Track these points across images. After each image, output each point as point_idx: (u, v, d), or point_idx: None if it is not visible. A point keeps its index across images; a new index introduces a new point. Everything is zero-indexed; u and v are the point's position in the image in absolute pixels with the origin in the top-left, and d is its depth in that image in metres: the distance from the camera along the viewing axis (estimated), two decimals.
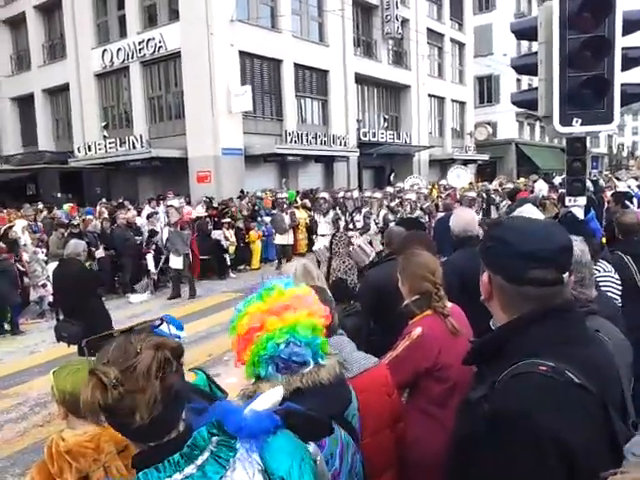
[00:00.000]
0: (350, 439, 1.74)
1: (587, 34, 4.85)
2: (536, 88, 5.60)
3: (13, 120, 27.39)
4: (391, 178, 26.34)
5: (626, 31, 4.95)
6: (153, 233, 12.07)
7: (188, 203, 16.14)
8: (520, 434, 1.16)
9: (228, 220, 13.76)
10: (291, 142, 21.27)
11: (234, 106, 19.16)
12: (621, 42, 4.90)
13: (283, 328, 1.57)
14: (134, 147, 20.69)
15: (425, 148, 29.39)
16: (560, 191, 10.81)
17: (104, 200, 17.49)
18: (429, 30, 30.16)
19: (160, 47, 20.39)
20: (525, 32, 6.23)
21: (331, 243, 6.86)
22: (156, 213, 13.01)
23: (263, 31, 20.67)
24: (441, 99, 32.31)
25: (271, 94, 21.81)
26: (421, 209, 12.54)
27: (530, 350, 1.27)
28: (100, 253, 10.82)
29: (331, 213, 11.56)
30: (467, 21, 34.09)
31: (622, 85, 5.01)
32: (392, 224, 9.39)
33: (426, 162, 30.35)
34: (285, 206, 14.83)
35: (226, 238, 13.26)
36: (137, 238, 12.11)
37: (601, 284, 2.99)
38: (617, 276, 3.39)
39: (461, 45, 33.91)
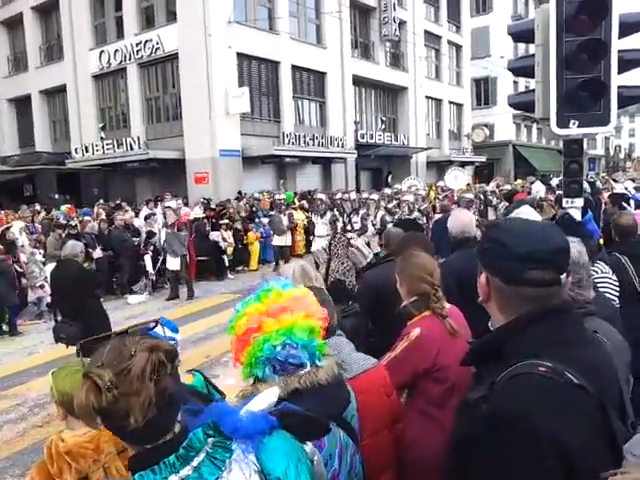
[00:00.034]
0: (349, 440, 1.73)
1: (584, 37, 4.87)
2: (533, 90, 5.62)
3: (10, 121, 27.35)
4: (389, 180, 26.36)
5: (622, 34, 4.98)
6: (151, 234, 12.06)
7: (186, 204, 16.13)
8: (519, 435, 1.16)
9: (226, 221, 13.76)
10: (289, 143, 21.27)
11: (232, 107, 19.17)
12: (617, 45, 4.92)
13: (280, 330, 1.56)
14: (131, 148, 20.67)
15: (422, 150, 29.42)
16: (557, 192, 10.85)
17: (101, 201, 17.47)
18: (426, 32, 30.21)
19: (157, 48, 20.38)
20: (522, 35, 6.26)
21: (330, 244, 6.87)
22: (154, 214, 13.00)
23: (261, 33, 20.69)
24: (438, 101, 32.37)
25: (269, 96, 21.83)
26: (419, 210, 12.57)
27: (528, 351, 1.27)
28: (98, 253, 10.81)
29: (328, 214, 11.56)
30: (464, 23, 34.16)
31: (618, 87, 5.04)
32: (390, 225, 9.41)
33: (423, 164, 30.39)
34: (283, 207, 14.84)
35: (224, 239, 13.26)
36: (135, 239, 12.10)
37: (599, 285, 3.00)
38: (615, 277, 3.41)
39: (458, 47, 33.98)
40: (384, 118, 28.77)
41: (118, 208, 14.93)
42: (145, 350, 1.18)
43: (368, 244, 9.95)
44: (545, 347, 1.28)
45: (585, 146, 6.53)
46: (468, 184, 20.45)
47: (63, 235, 10.85)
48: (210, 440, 1.22)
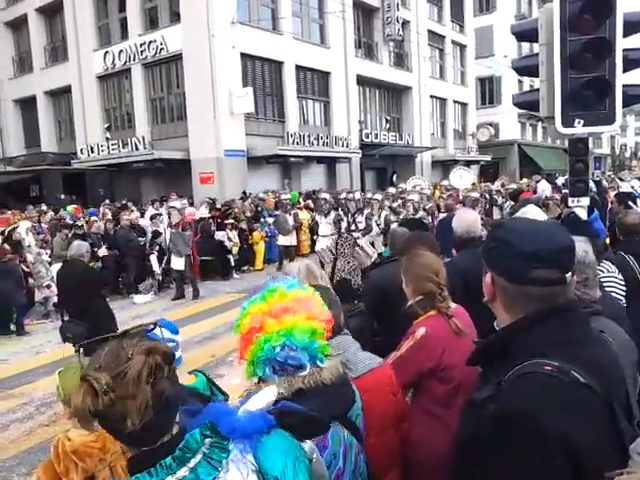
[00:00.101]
0: (354, 439, 1.74)
1: (588, 36, 4.85)
2: (537, 89, 5.60)
3: (16, 122, 27.46)
4: (393, 179, 26.34)
5: (627, 33, 4.96)
6: (156, 234, 12.10)
7: (191, 204, 16.17)
8: (526, 434, 1.16)
9: (231, 221, 13.78)
10: (293, 143, 21.29)
11: (236, 108, 19.19)
12: (622, 44, 4.90)
13: (280, 331, 1.57)
14: (136, 149, 20.73)
15: (427, 149, 29.38)
16: (563, 192, 10.81)
17: (107, 201, 17.53)
18: (430, 32, 30.16)
19: (162, 49, 20.43)
20: (526, 34, 6.24)
21: (337, 243, 6.88)
22: (159, 214, 13.04)
23: (264, 33, 20.70)
24: (443, 100, 32.30)
25: (273, 96, 21.84)
26: (424, 210, 12.55)
27: (535, 350, 1.27)
28: (103, 251, 10.85)
29: (332, 214, 11.58)
30: (468, 23, 34.08)
31: (623, 86, 5.02)
32: (394, 225, 9.41)
33: (428, 163, 30.35)
34: (288, 207, 14.85)
35: (229, 239, 13.29)
36: (140, 239, 12.14)
37: (605, 285, 3.00)
38: (621, 277, 3.39)
39: (462, 47, 33.90)
40: (388, 118, 28.73)
41: (124, 208, 14.98)
42: (142, 353, 1.18)
43: (372, 244, 9.95)
44: (551, 346, 1.28)
45: (591, 145, 6.50)
46: (473, 183, 20.39)
47: (69, 235, 10.89)
48: (207, 441, 1.22)
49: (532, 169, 33.37)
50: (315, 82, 23.74)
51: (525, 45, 32.06)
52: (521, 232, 1.39)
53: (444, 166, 31.32)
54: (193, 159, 19.97)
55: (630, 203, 8.48)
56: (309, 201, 17.03)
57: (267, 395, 1.53)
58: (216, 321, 9.03)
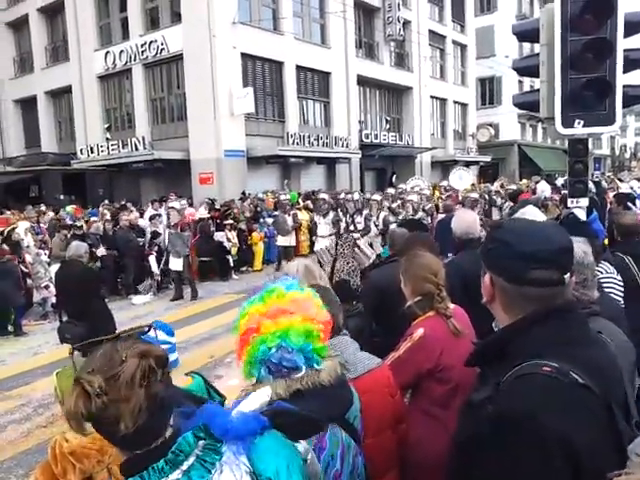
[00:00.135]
0: (351, 441, 1.73)
1: (589, 36, 4.86)
2: (538, 90, 5.61)
3: (16, 122, 27.49)
4: (393, 180, 26.34)
5: (628, 33, 4.96)
6: (156, 235, 12.09)
7: (191, 205, 16.16)
8: (525, 435, 1.16)
9: (230, 222, 13.78)
10: (293, 144, 21.30)
11: (236, 108, 19.20)
12: (623, 44, 4.91)
13: (276, 332, 1.57)
14: (136, 149, 20.75)
15: (427, 150, 29.39)
16: (562, 192, 10.81)
17: (107, 202, 17.54)
18: (431, 32, 30.18)
19: (162, 49, 20.45)
20: (527, 34, 6.25)
21: (336, 244, 6.88)
22: (159, 215, 13.03)
23: (265, 33, 20.71)
24: (443, 101, 32.32)
25: (273, 96, 21.85)
26: (423, 210, 12.55)
27: (533, 351, 1.27)
28: (102, 251, 10.85)
29: (331, 214, 11.56)
30: (469, 23, 34.10)
31: (624, 87, 5.02)
32: (393, 225, 9.41)
33: (428, 164, 30.36)
34: (287, 208, 14.84)
35: (228, 239, 13.28)
36: (140, 240, 12.14)
37: (604, 286, 2.99)
38: (619, 278, 3.39)
39: (463, 47, 33.92)
40: (388, 118, 28.74)
41: (123, 209, 14.98)
42: (136, 356, 1.18)
43: (371, 245, 9.95)
44: (550, 347, 1.28)
45: (590, 146, 6.50)
46: (473, 184, 20.40)
47: (68, 236, 10.88)
48: (201, 443, 1.22)
49: (532, 170, 33.40)
50: (315, 82, 23.76)
51: (526, 45, 32.07)
52: (520, 233, 1.39)
53: (444, 167, 31.34)
54: (193, 159, 19.99)
55: (629, 204, 8.48)
56: (308, 202, 17.02)
57: (260, 396, 1.53)
58: (215, 322, 9.03)
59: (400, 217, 11.67)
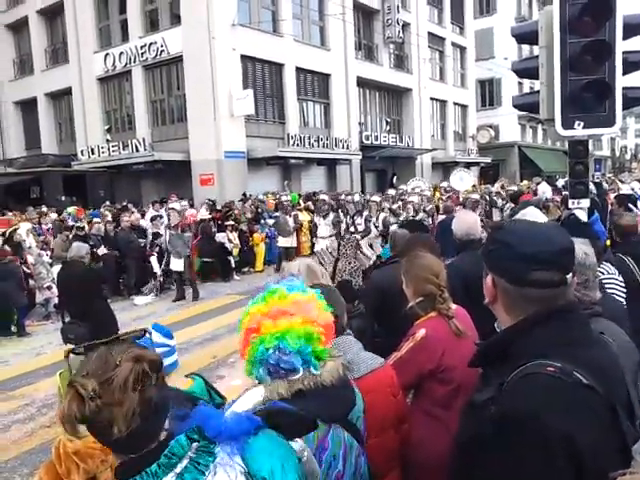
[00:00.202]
0: (354, 441, 1.73)
1: (588, 38, 4.87)
2: (537, 91, 5.62)
3: (16, 124, 27.50)
4: (393, 181, 26.35)
5: (626, 35, 4.97)
6: (157, 235, 12.10)
7: (191, 206, 16.16)
8: (529, 435, 1.17)
9: (231, 223, 13.78)
10: (293, 145, 21.30)
11: (236, 110, 19.21)
12: (622, 46, 4.92)
13: (275, 334, 1.57)
14: (137, 150, 20.77)
15: (427, 151, 29.38)
16: (563, 193, 10.82)
17: (108, 203, 17.56)
18: (430, 34, 30.19)
19: (162, 51, 20.47)
20: (526, 36, 6.26)
21: (339, 244, 6.90)
22: (160, 216, 13.04)
23: (265, 35, 20.73)
24: (443, 102, 32.32)
25: (273, 97, 21.86)
26: (424, 211, 12.56)
27: (536, 351, 1.28)
28: (102, 250, 10.86)
29: (331, 215, 11.56)
30: (468, 25, 34.11)
31: (623, 89, 5.03)
32: (394, 227, 9.42)
33: (429, 165, 30.36)
34: (288, 209, 14.84)
35: (230, 240, 13.28)
36: (141, 240, 12.15)
37: (606, 286, 3.00)
38: (621, 278, 3.40)
39: (462, 49, 33.93)
40: (389, 120, 28.75)
41: (124, 210, 14.98)
42: (130, 360, 1.18)
43: (371, 246, 9.98)
44: (552, 348, 1.28)
45: (591, 147, 6.51)
46: (474, 185, 20.40)
47: (70, 236, 10.89)
48: (194, 445, 1.22)
49: (532, 171, 33.40)
50: (315, 84, 23.77)
51: (525, 47, 32.13)
52: (521, 234, 1.40)
53: (444, 168, 31.34)
54: (193, 161, 19.99)
55: (630, 205, 8.48)
56: (309, 203, 17.03)
57: (254, 396, 1.53)
58: (217, 322, 9.03)
59: (401, 218, 11.69)
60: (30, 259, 10.32)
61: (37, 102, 26.00)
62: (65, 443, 2.05)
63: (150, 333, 2.24)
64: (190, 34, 19.21)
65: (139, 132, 21.64)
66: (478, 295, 1.55)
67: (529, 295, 1.34)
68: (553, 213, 8.04)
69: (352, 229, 9.63)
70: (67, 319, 6.44)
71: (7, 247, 9.83)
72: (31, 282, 10.18)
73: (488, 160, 34.31)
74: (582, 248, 2.17)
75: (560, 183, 18.94)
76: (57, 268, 8.58)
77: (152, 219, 12.87)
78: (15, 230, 10.59)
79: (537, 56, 5.51)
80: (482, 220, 8.19)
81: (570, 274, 1.36)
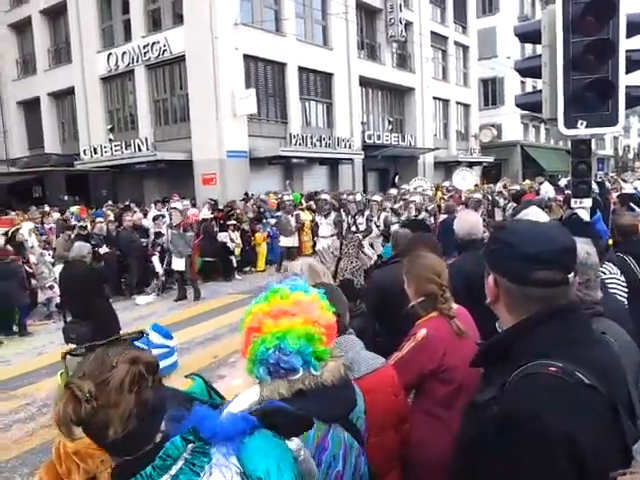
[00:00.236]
0: (354, 441, 1.73)
1: (591, 37, 4.86)
2: (540, 91, 5.61)
3: (19, 123, 27.59)
4: (396, 180, 26.34)
5: (630, 34, 4.96)
6: (158, 235, 12.12)
7: (193, 205, 16.18)
8: (530, 435, 1.17)
9: (233, 222, 13.79)
10: (296, 145, 21.31)
11: (239, 109, 19.23)
12: (625, 45, 4.90)
13: (276, 333, 1.57)
14: (139, 150, 20.81)
15: (430, 150, 29.37)
16: (566, 193, 10.79)
17: (110, 202, 17.59)
18: (433, 33, 30.17)
19: (165, 51, 20.49)
20: (529, 35, 6.25)
21: (341, 244, 6.90)
22: (162, 216, 13.06)
23: (267, 34, 20.74)
24: (445, 101, 32.30)
25: (275, 97, 21.87)
26: (426, 211, 12.54)
27: (538, 351, 1.28)
28: (104, 249, 10.88)
29: (332, 215, 11.56)
30: (471, 24, 34.09)
31: (626, 87, 5.01)
32: (396, 226, 9.41)
33: (431, 164, 30.34)
34: (290, 208, 14.83)
35: (232, 240, 13.29)
36: (143, 240, 12.16)
37: (608, 286, 2.99)
38: (623, 278, 3.39)
39: (465, 48, 33.90)
40: (391, 119, 28.74)
41: (127, 209, 15.00)
42: (126, 362, 1.18)
43: (372, 245, 9.96)
44: (553, 347, 1.28)
45: (594, 146, 6.50)
46: (476, 184, 20.38)
47: (72, 236, 10.92)
48: (190, 446, 1.21)
49: (535, 170, 33.35)
50: (318, 83, 23.77)
51: (528, 46, 32.08)
52: (523, 234, 1.40)
53: (447, 167, 31.34)
54: (196, 160, 20.02)
55: (632, 205, 8.45)
56: (311, 202, 17.02)
57: (249, 396, 1.53)
58: (218, 322, 9.03)
59: (402, 218, 11.68)
60: (32, 259, 10.35)
61: (40, 102, 26.07)
62: (65, 443, 2.05)
63: (147, 334, 2.24)
64: (193, 34, 19.23)
65: (142, 132, 21.68)
66: (480, 295, 1.55)
67: (531, 294, 1.34)
68: (555, 212, 8.02)
69: (353, 229, 9.62)
70: (69, 319, 6.44)
71: (9, 247, 9.85)
72: (33, 282, 10.20)
73: (490, 159, 34.30)
74: (584, 247, 2.16)
75: (563, 182, 18.93)
76: (59, 268, 8.59)
77: (154, 219, 12.89)
78: (17, 230, 10.60)
79: (540, 55, 5.50)
80: (484, 220, 8.19)
81: (572, 273, 1.36)
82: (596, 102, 4.96)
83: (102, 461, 2.00)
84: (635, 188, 14.35)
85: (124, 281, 12.06)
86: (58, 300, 9.72)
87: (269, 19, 21.09)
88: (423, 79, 29.33)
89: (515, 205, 11.22)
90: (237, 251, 13.51)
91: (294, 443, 1.42)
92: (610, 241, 4.97)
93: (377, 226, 10.95)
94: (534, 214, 4.10)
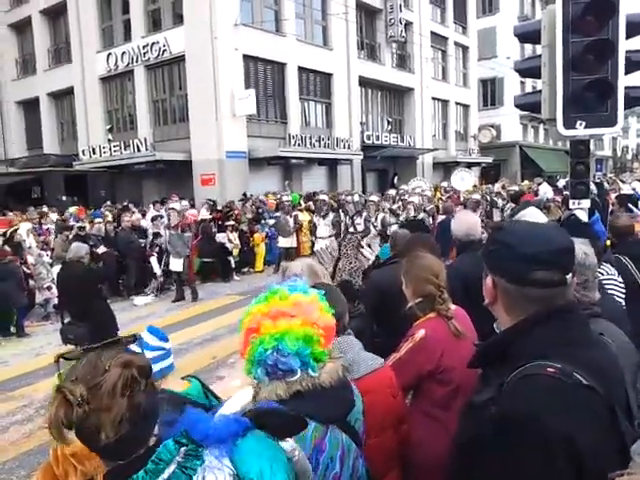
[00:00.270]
0: (352, 443, 1.73)
1: (590, 37, 4.86)
2: (539, 91, 5.61)
3: (18, 123, 27.57)
4: (394, 181, 26.35)
5: (629, 34, 4.96)
6: (156, 236, 12.11)
7: (192, 206, 16.17)
8: (529, 436, 1.17)
9: (232, 223, 13.78)
10: (295, 145, 21.30)
11: (238, 109, 19.23)
12: (624, 45, 4.90)
13: (274, 334, 1.57)
14: (138, 150, 20.79)
15: (429, 151, 29.37)
16: (564, 194, 10.80)
17: (109, 203, 17.58)
18: (433, 33, 30.17)
19: (164, 51, 20.49)
20: (528, 35, 6.26)
21: (340, 244, 6.90)
22: (161, 216, 13.05)
23: (267, 35, 20.73)
24: (445, 102, 32.31)
25: (275, 97, 21.87)
26: (424, 211, 12.54)
27: (536, 352, 1.28)
28: (102, 249, 10.87)
29: (330, 215, 11.56)
30: (471, 24, 34.10)
31: (625, 88, 5.02)
32: (394, 227, 9.41)
33: (430, 165, 30.34)
34: (289, 209, 14.82)
35: (230, 241, 13.28)
36: (141, 241, 12.15)
37: (605, 287, 2.99)
38: (620, 279, 3.39)
39: (465, 48, 33.91)
40: (390, 119, 28.74)
41: (125, 210, 14.99)
42: (119, 366, 1.18)
43: (369, 246, 9.96)
44: (551, 348, 1.28)
45: (592, 147, 6.51)
46: (475, 185, 20.39)
47: (70, 236, 10.90)
48: (182, 450, 1.21)
49: (533, 171, 33.39)
50: (317, 84, 23.77)
51: (528, 47, 32.12)
52: (521, 234, 1.41)
53: (445, 168, 31.34)
54: (195, 161, 20.01)
55: (631, 206, 8.46)
56: (310, 203, 17.02)
57: (242, 398, 1.52)
58: (217, 323, 9.03)
59: (401, 218, 11.68)
60: (30, 259, 10.33)
61: (39, 102, 26.05)
62: (63, 445, 2.04)
63: (141, 338, 2.23)
64: (192, 34, 19.23)
65: (141, 132, 21.67)
66: (478, 296, 1.55)
67: (529, 295, 1.34)
68: (554, 213, 8.02)
69: (352, 229, 9.62)
70: (67, 320, 6.44)
71: (7, 247, 9.84)
72: (31, 282, 10.18)
73: (489, 160, 34.31)
74: (582, 248, 2.16)
75: (561, 183, 18.93)
76: (57, 268, 8.58)
77: (153, 219, 12.88)
78: (15, 230, 10.60)
79: (539, 55, 5.51)
80: (483, 220, 8.18)
81: (570, 274, 1.36)
82: (595, 102, 4.97)
83: (100, 463, 2.00)
84: (633, 189, 14.34)
85: (122, 282, 12.04)
86: (56, 301, 9.70)
87: (269, 19, 21.08)
88: (423, 79, 29.34)
89: (514, 206, 11.22)
90: (235, 252, 13.50)
91: (288, 444, 1.41)
92: (608, 242, 4.98)
93: (374, 226, 10.95)
94: (532, 215, 4.10)
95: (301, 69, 22.29)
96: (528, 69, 6.55)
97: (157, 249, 11.86)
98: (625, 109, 5.15)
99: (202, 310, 10.23)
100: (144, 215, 14.45)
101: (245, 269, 14.15)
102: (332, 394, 1.63)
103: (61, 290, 6.84)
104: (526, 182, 23.24)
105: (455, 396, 2.33)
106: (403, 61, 28.80)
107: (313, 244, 12.81)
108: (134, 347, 1.49)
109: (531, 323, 1.33)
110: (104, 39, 23.28)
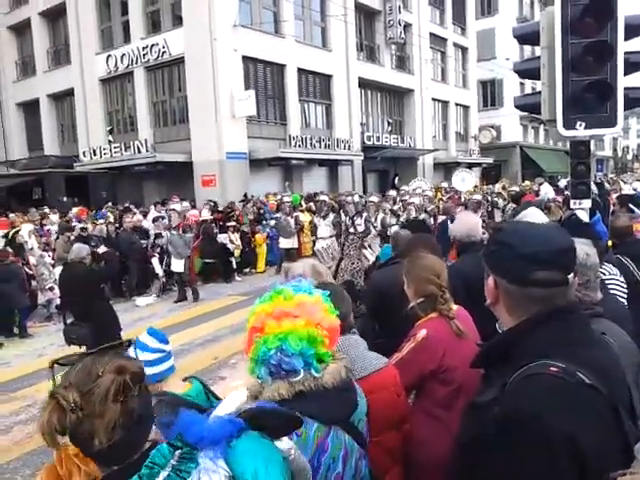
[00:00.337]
0: (355, 444, 1.73)
1: (589, 39, 4.87)
2: (539, 92, 5.62)
3: (19, 125, 27.56)
4: (395, 182, 26.35)
5: (628, 36, 4.97)
6: (158, 236, 12.12)
7: (193, 207, 16.17)
8: (532, 436, 1.17)
9: (233, 224, 13.78)
10: (295, 146, 21.30)
11: (238, 111, 19.23)
12: (623, 47, 4.92)
13: (278, 335, 1.57)
14: (139, 151, 20.80)
15: (429, 152, 29.37)
16: (566, 194, 10.80)
17: (110, 204, 17.58)
18: (432, 35, 30.18)
19: (164, 52, 20.50)
20: (527, 37, 6.27)
21: (342, 244, 6.91)
22: (162, 217, 13.06)
23: (266, 36, 20.75)
24: (445, 103, 32.31)
25: (275, 98, 21.87)
26: (425, 212, 12.54)
27: (538, 352, 1.28)
28: (102, 249, 10.86)
29: (331, 216, 11.56)
30: (470, 26, 34.09)
31: (625, 89, 5.03)
32: (395, 227, 9.41)
33: (430, 165, 30.33)
34: (289, 210, 14.83)
35: (231, 241, 13.29)
36: (143, 242, 12.16)
37: (607, 287, 3.00)
38: (622, 279, 3.39)
39: (464, 49, 33.91)
40: (390, 120, 28.74)
41: (126, 211, 14.99)
42: (112, 371, 1.18)
43: (369, 246, 9.96)
44: (553, 348, 1.28)
45: (593, 147, 6.52)
46: (476, 186, 20.38)
47: (72, 237, 10.91)
48: (177, 453, 1.20)
49: (534, 171, 33.36)
50: (317, 85, 23.78)
51: (527, 48, 32.08)
52: (521, 235, 1.41)
53: (446, 168, 31.33)
54: (195, 162, 20.02)
55: (632, 206, 8.45)
56: (311, 204, 17.00)
57: (237, 399, 1.53)
58: (218, 323, 9.03)
59: (401, 219, 11.67)
60: (32, 260, 10.34)
61: (39, 103, 26.05)
62: (66, 445, 2.05)
63: (137, 343, 2.24)
64: (192, 35, 19.24)
65: (141, 133, 21.67)
66: (479, 297, 1.55)
67: (532, 295, 1.34)
68: (555, 213, 8.01)
69: (352, 230, 9.62)
70: (69, 320, 6.44)
71: (9, 248, 9.84)
72: (33, 283, 10.20)
73: (490, 161, 34.30)
74: (584, 249, 2.17)
75: (562, 183, 18.93)
76: (59, 269, 8.59)
77: (154, 220, 12.89)
78: (17, 231, 10.61)
79: (539, 57, 5.51)
80: (484, 221, 8.19)
81: (572, 274, 1.37)
82: (595, 103, 4.98)
83: None
84: (634, 189, 14.36)
85: (124, 282, 12.05)
86: (58, 302, 9.71)
87: (268, 21, 21.09)
88: (422, 80, 29.34)
89: (514, 206, 11.21)
90: (237, 252, 13.51)
91: (284, 443, 1.41)
92: (609, 242, 4.99)
93: (374, 227, 10.95)
94: (532, 215, 4.11)
95: (300, 70, 22.30)
96: (527, 70, 6.56)
97: (158, 250, 11.87)
98: (625, 110, 5.16)
99: (204, 311, 10.23)
100: (145, 216, 14.46)
101: (247, 270, 14.16)
102: (335, 395, 1.64)
103: (63, 291, 6.85)
104: (527, 182, 23.23)
105: (457, 396, 2.34)
106: (402, 62, 28.81)
107: (314, 244, 12.82)
108: (130, 352, 1.49)
109: (533, 323, 1.34)
110: (103, 41, 23.29)
